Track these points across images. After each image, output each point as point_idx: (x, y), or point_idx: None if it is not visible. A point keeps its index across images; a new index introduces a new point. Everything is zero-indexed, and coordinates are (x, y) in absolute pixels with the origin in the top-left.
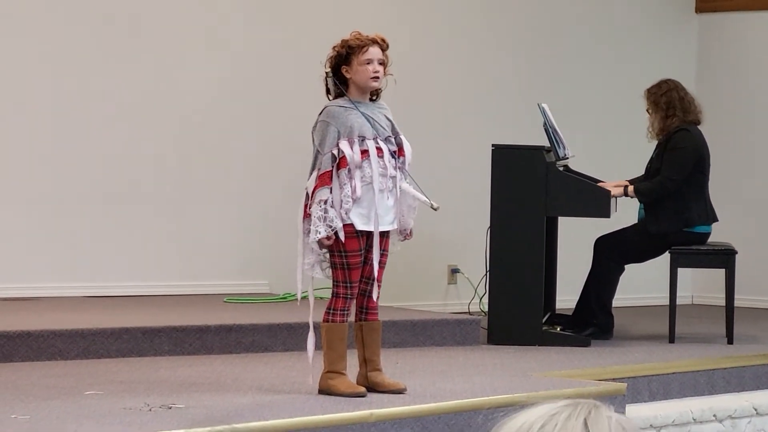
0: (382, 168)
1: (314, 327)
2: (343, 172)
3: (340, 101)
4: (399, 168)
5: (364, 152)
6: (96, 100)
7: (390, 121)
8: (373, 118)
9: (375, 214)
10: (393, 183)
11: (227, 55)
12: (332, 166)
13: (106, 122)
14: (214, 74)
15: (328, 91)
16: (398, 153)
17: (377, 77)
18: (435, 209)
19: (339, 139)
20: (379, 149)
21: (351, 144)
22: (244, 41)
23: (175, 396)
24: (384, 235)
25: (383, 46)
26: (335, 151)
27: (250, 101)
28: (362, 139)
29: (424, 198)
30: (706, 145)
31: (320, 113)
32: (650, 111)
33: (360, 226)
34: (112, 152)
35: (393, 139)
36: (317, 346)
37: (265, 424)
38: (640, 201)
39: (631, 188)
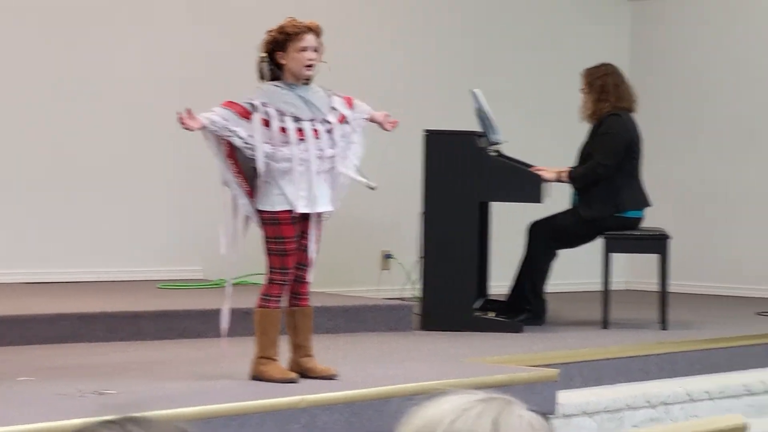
0: (318, 150)
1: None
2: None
3: (275, 83)
4: (342, 135)
5: (300, 131)
6: (36, 87)
7: (328, 95)
8: (309, 100)
9: (313, 196)
10: (330, 163)
11: (168, 46)
12: (246, 106)
13: (42, 108)
14: (155, 62)
15: (261, 76)
16: (340, 119)
17: (312, 65)
18: (372, 189)
19: (267, 106)
20: (315, 131)
21: (270, 119)
22: (183, 31)
23: (107, 382)
24: (319, 218)
25: (318, 33)
26: (257, 102)
27: (186, 86)
28: (297, 119)
29: (361, 177)
30: (638, 130)
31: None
32: (584, 91)
33: (301, 208)
34: (47, 138)
35: (328, 121)
36: (244, 332)
37: (196, 410)
38: (573, 187)
39: (564, 174)
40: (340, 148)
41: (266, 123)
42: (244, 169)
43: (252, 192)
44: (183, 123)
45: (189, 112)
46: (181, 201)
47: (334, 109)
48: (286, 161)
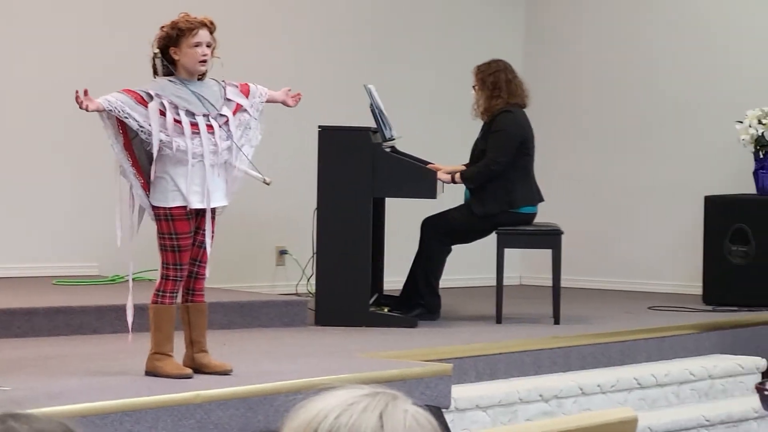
0: (213, 145)
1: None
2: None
3: (169, 78)
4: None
5: (194, 125)
6: None
7: (221, 88)
8: (203, 96)
9: (207, 191)
10: (225, 157)
11: (63, 42)
12: (142, 94)
13: None
14: (50, 58)
15: (155, 72)
16: (235, 109)
17: (205, 60)
18: (267, 184)
19: (161, 98)
20: (209, 126)
21: (166, 110)
22: (70, 21)
23: (2, 378)
24: (213, 214)
25: (212, 28)
26: (152, 92)
27: (81, 78)
28: (191, 114)
29: (256, 173)
30: (530, 126)
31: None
32: (477, 88)
33: (195, 204)
34: None
35: (223, 114)
36: (145, 328)
37: (91, 406)
38: (468, 187)
39: (458, 175)
40: (236, 140)
41: (162, 113)
42: (140, 162)
43: (147, 185)
44: (80, 103)
45: (86, 92)
46: (77, 197)
47: (228, 100)
48: (180, 152)
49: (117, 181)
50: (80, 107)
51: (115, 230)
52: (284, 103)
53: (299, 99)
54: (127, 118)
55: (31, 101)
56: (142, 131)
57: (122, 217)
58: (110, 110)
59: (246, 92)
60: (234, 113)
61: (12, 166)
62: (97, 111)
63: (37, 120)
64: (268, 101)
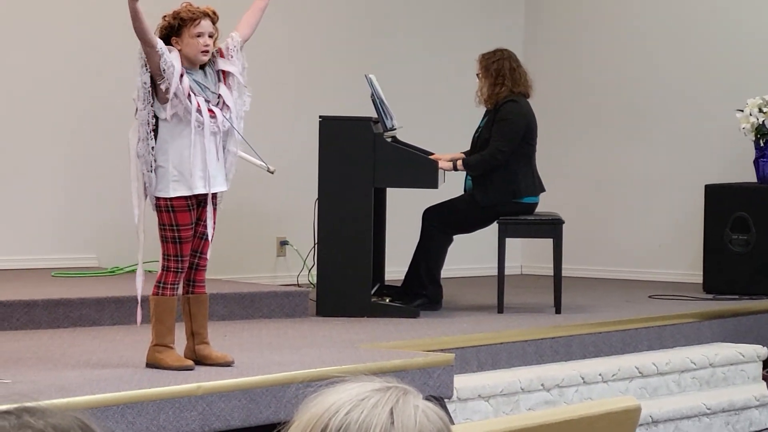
0: (215, 127)
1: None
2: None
3: None
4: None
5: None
6: None
7: (214, 71)
8: (204, 85)
9: (209, 176)
10: (226, 139)
11: (55, 34)
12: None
13: None
14: (43, 50)
15: None
16: (224, 78)
17: (207, 51)
18: (271, 173)
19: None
20: (211, 111)
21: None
22: (66, 16)
23: (2, 371)
24: (215, 203)
25: (214, 18)
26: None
27: (74, 69)
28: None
29: (260, 162)
30: (534, 116)
31: None
32: (480, 76)
33: (199, 189)
34: None
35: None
36: (146, 319)
37: (92, 398)
38: (470, 174)
39: (459, 162)
40: (234, 114)
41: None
42: None
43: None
44: None
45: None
46: (75, 189)
47: (220, 72)
48: (187, 113)
49: (133, 160)
50: None
51: (132, 209)
52: (263, 9)
53: None
54: (158, 41)
55: (26, 91)
56: (164, 62)
57: (138, 195)
58: (144, 27)
59: (222, 54)
60: (225, 82)
61: (8, 158)
62: (136, 12)
63: (32, 111)
64: (252, 29)
